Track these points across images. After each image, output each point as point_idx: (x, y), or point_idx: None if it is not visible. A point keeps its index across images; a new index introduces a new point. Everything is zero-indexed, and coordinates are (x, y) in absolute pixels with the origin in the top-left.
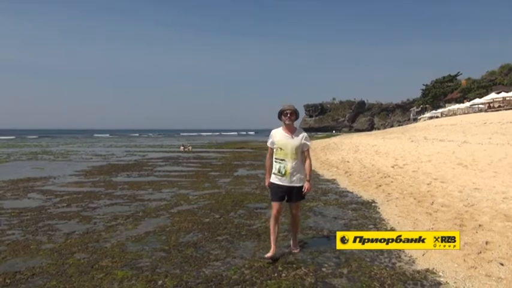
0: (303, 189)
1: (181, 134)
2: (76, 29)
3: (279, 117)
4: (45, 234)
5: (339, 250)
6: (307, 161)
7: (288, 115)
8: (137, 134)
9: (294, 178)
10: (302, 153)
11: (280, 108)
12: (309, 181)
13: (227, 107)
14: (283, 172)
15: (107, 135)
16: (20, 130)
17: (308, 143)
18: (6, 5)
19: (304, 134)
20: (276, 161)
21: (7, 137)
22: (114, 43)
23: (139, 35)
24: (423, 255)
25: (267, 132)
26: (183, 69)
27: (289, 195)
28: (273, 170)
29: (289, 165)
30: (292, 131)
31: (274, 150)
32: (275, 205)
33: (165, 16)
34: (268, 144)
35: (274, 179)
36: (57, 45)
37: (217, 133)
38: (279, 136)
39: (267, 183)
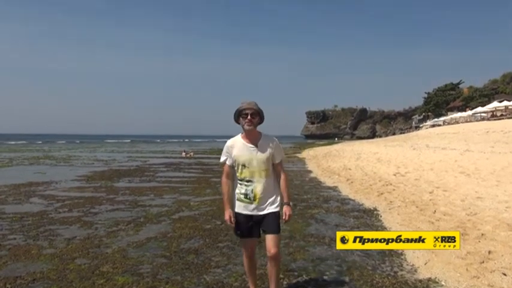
0: (283, 216)
1: (185, 140)
2: (78, 34)
3: (236, 120)
4: (47, 239)
5: (341, 258)
6: (282, 177)
7: (249, 117)
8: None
9: (267, 203)
10: (273, 167)
11: (236, 108)
12: (289, 204)
13: (227, 112)
14: (251, 197)
15: (128, 140)
16: (31, 135)
17: (281, 152)
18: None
19: (274, 141)
20: (240, 184)
21: (18, 141)
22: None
23: (140, 41)
24: (425, 264)
25: None
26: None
27: (261, 225)
28: (236, 196)
29: (258, 186)
30: (255, 138)
31: (236, 168)
32: (247, 243)
33: (167, 21)
34: (223, 160)
35: (239, 208)
36: (62, 49)
37: (222, 139)
38: (238, 148)
39: (226, 217)
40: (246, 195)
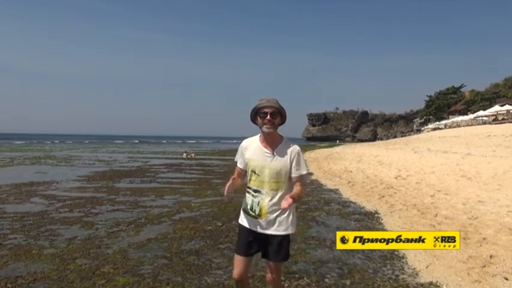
0: (285, 205)
1: (187, 141)
2: (80, 36)
3: (253, 120)
4: (47, 239)
5: (342, 261)
6: (297, 187)
7: (268, 116)
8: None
9: (275, 222)
10: (290, 181)
11: (255, 105)
12: (294, 198)
13: (228, 115)
14: (256, 211)
15: (136, 141)
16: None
17: (302, 165)
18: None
19: (295, 150)
20: (247, 192)
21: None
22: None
23: (140, 42)
24: (427, 267)
25: None
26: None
27: (265, 248)
28: (243, 205)
29: (266, 200)
30: (273, 143)
31: (247, 173)
32: (238, 261)
33: (167, 24)
34: (238, 163)
35: (242, 219)
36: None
37: (221, 141)
38: (252, 150)
39: (226, 190)
40: (251, 207)
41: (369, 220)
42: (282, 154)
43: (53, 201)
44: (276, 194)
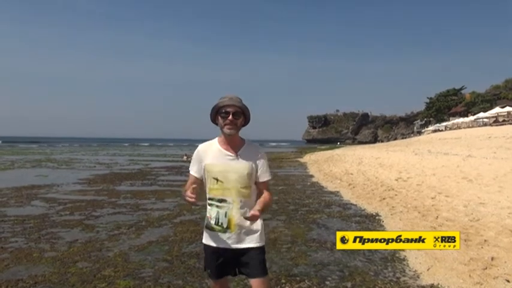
0: (251, 214)
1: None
2: (82, 39)
3: (213, 120)
4: (48, 242)
5: (343, 263)
6: (265, 194)
7: (230, 116)
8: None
9: (248, 233)
10: (256, 186)
11: (215, 104)
12: (260, 210)
13: None
14: (224, 224)
15: (147, 144)
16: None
17: (267, 169)
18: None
19: (260, 152)
20: (209, 205)
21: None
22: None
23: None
24: (428, 269)
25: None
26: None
27: (241, 265)
28: (205, 222)
29: (235, 209)
30: (236, 145)
31: (205, 183)
32: (217, 285)
33: (165, 27)
34: (191, 171)
35: (207, 239)
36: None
37: None
38: (212, 155)
39: (191, 198)
40: (217, 220)
41: (369, 222)
42: (247, 156)
43: (54, 204)
44: (245, 201)
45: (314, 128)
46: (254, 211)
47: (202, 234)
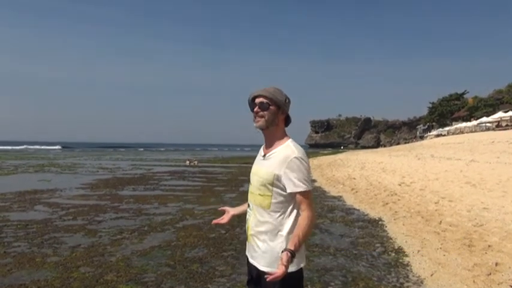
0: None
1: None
2: (83, 43)
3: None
4: (51, 247)
5: (346, 269)
6: (302, 215)
7: (256, 108)
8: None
9: (257, 250)
10: (284, 198)
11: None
12: (286, 264)
13: (232, 122)
14: (247, 231)
15: (163, 149)
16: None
17: (293, 178)
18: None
19: (291, 157)
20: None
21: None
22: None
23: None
24: (431, 275)
25: None
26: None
27: (254, 278)
28: None
29: (252, 217)
30: (271, 145)
31: None
32: None
33: (164, 29)
34: None
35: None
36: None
37: (226, 148)
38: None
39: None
40: (246, 226)
41: (372, 227)
42: (274, 158)
43: (57, 209)
44: (261, 212)
45: (316, 132)
46: (279, 269)
47: (210, 239)
